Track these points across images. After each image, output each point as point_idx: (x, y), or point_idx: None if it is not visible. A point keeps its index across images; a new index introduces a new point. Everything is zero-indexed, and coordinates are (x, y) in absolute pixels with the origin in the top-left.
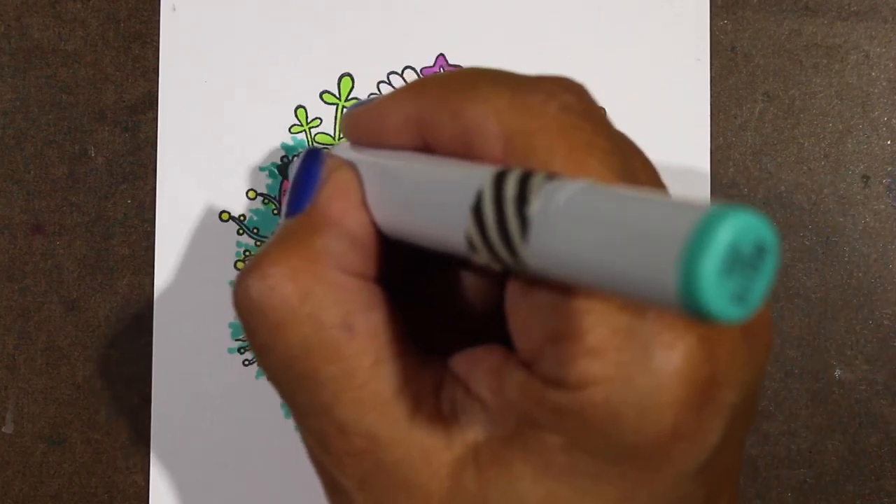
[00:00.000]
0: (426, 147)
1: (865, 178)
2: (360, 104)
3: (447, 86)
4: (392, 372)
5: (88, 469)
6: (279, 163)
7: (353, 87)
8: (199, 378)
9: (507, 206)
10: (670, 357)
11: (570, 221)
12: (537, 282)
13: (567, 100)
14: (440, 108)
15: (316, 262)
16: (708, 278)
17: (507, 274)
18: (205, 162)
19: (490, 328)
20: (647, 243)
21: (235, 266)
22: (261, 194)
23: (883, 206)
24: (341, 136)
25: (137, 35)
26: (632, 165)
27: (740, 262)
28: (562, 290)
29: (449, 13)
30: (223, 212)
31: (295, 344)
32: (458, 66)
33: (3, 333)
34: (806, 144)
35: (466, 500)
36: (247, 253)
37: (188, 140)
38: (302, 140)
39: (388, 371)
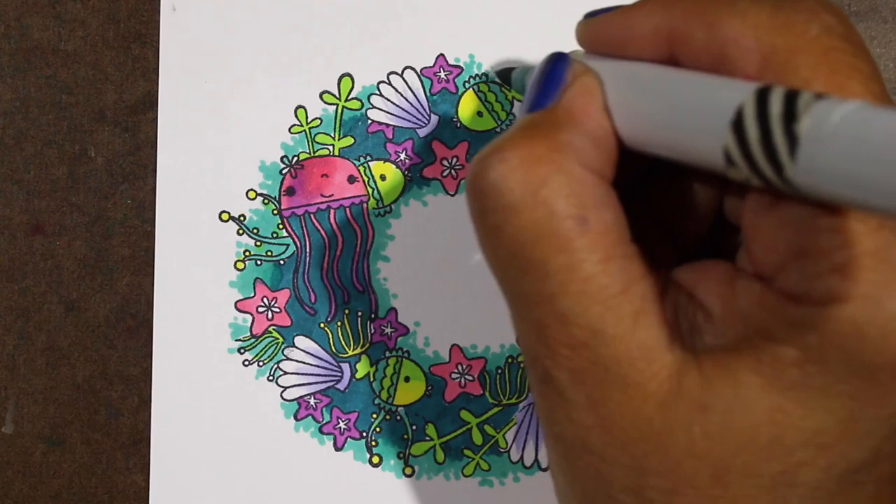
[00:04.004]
0: (671, 59)
1: None
2: (599, 13)
3: None
4: (620, 270)
5: (88, 469)
6: (280, 164)
7: (352, 87)
8: (199, 378)
9: (772, 123)
10: None
11: (845, 140)
12: (786, 197)
13: (829, 21)
14: (694, 20)
15: (557, 152)
16: None
17: (755, 189)
18: (205, 162)
19: (705, 244)
20: None
21: (235, 266)
22: (261, 194)
23: None
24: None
25: (137, 35)
26: (888, 94)
27: None
28: (813, 206)
29: (449, 13)
30: (223, 212)
31: (526, 229)
32: (458, 67)
33: (3, 333)
34: None
35: (686, 403)
36: (247, 253)
37: (188, 140)
38: (302, 140)
39: (616, 268)
